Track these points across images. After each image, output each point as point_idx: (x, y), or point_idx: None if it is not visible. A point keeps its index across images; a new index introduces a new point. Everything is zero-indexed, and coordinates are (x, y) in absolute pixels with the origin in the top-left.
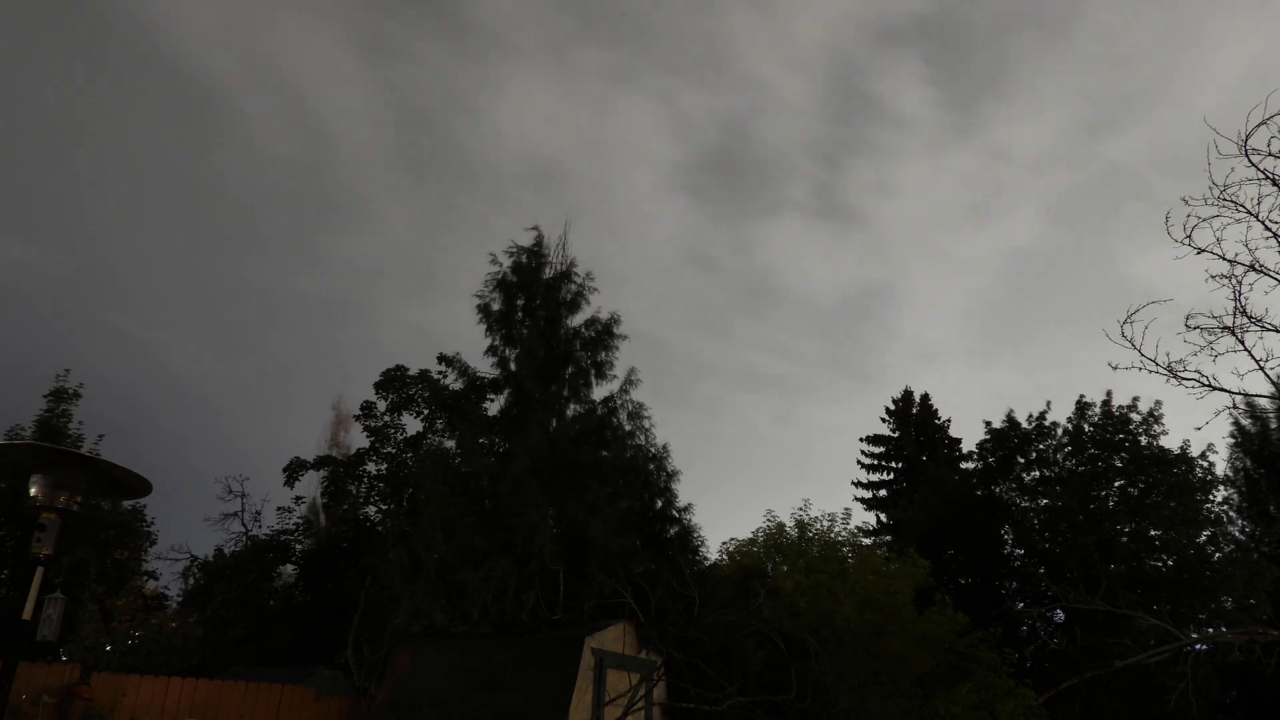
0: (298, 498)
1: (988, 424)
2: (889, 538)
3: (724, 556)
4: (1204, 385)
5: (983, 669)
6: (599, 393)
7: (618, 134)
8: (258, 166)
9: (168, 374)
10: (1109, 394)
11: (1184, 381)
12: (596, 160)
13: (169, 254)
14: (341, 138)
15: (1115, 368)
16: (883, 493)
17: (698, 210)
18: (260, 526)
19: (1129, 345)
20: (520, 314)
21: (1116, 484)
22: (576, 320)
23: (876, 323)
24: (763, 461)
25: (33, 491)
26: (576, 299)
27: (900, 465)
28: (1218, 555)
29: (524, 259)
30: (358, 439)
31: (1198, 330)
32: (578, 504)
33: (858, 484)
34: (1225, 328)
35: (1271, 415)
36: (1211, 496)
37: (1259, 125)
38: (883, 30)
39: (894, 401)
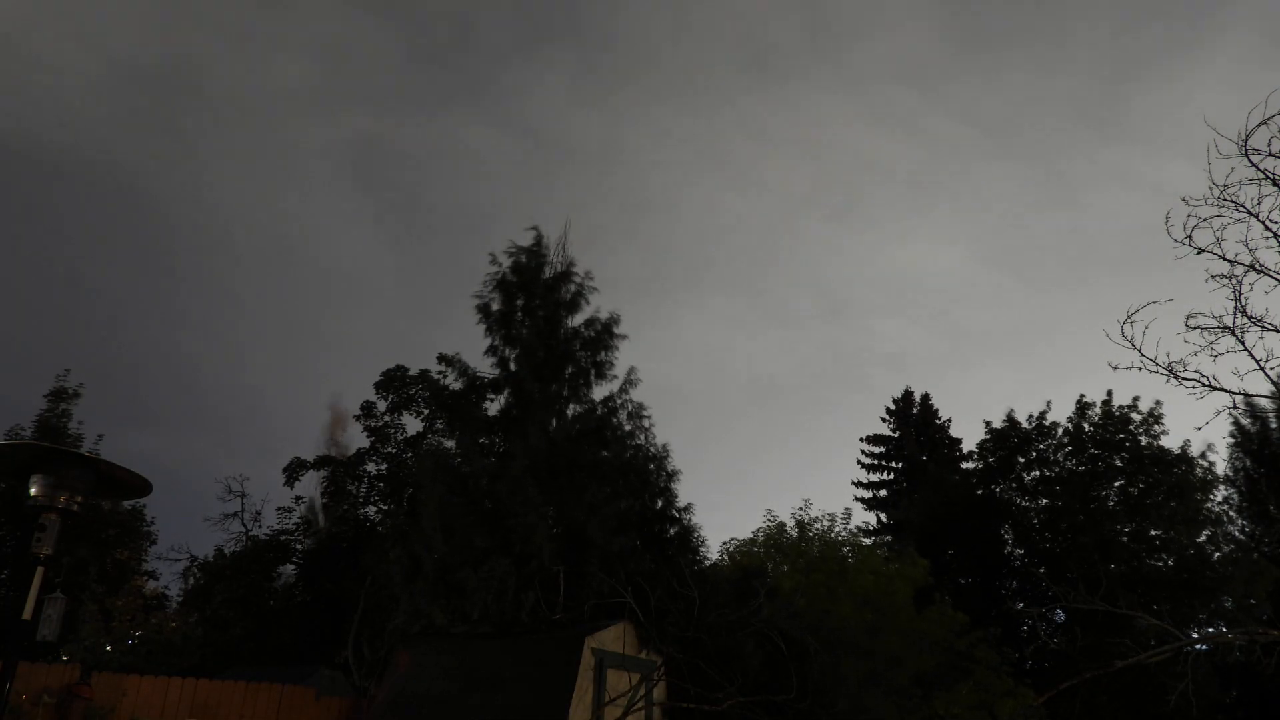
0: (297, 498)
1: (988, 424)
2: (889, 538)
3: (724, 556)
4: (1204, 385)
5: (982, 669)
6: (599, 393)
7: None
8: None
9: (167, 374)
10: (1109, 394)
11: (1184, 381)
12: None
13: (167, 252)
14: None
15: (1115, 368)
16: (883, 493)
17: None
18: (260, 526)
19: (1129, 345)
20: (520, 314)
21: (1116, 484)
22: (576, 320)
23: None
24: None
25: (33, 491)
26: (576, 299)
27: (900, 465)
28: (1217, 555)
29: (523, 259)
30: (357, 439)
31: (1198, 330)
32: (577, 504)
33: (858, 484)
34: (1225, 328)
35: (1271, 415)
36: (1211, 496)
37: (1259, 125)
38: None
39: (894, 401)
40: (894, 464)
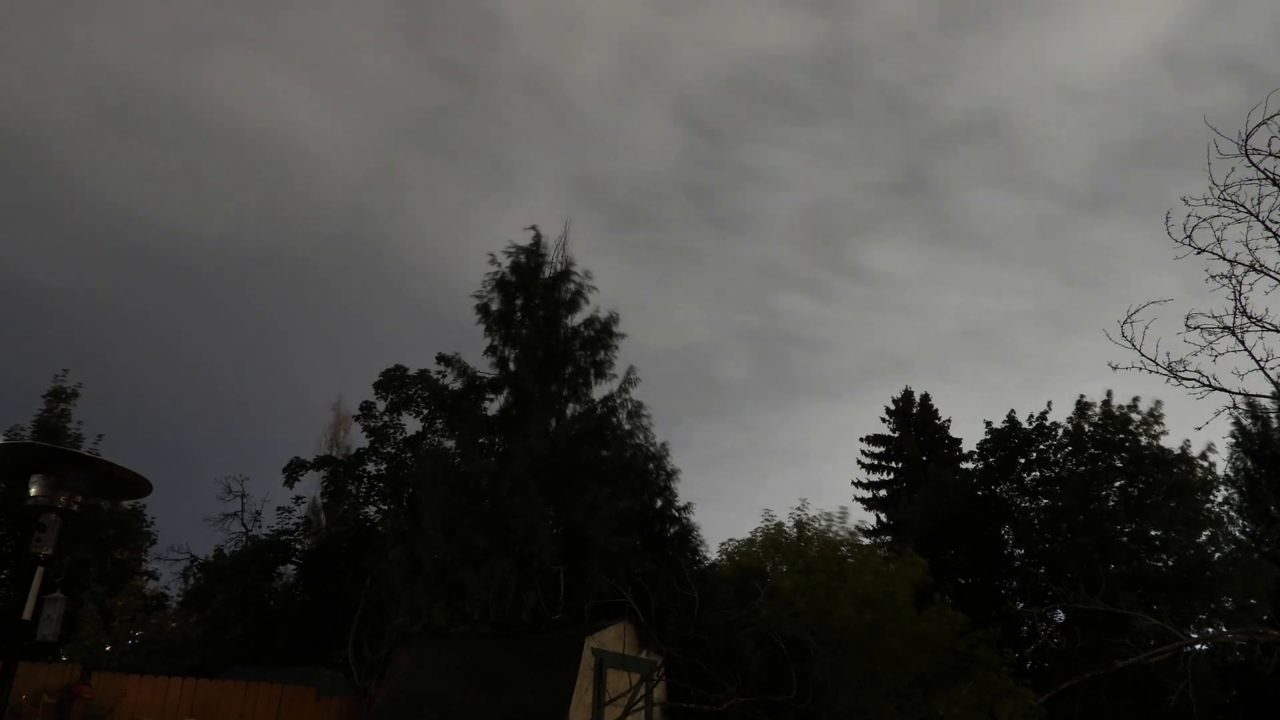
0: (298, 498)
1: (988, 424)
2: (889, 538)
3: (723, 557)
4: (1204, 385)
5: (982, 669)
6: (598, 392)
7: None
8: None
9: (167, 374)
10: (1109, 394)
11: (1184, 381)
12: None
13: (169, 253)
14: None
15: (1115, 368)
16: (883, 493)
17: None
18: (260, 526)
19: (1129, 345)
20: (519, 314)
21: (1116, 484)
22: (575, 320)
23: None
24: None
25: (33, 491)
26: (575, 298)
27: (900, 465)
28: (1217, 555)
29: (522, 258)
30: (358, 439)
31: (1198, 330)
32: (577, 504)
33: (858, 484)
34: (1225, 328)
35: (1272, 415)
36: (1211, 496)
37: (1259, 125)
38: None
39: (894, 401)
40: (894, 464)
